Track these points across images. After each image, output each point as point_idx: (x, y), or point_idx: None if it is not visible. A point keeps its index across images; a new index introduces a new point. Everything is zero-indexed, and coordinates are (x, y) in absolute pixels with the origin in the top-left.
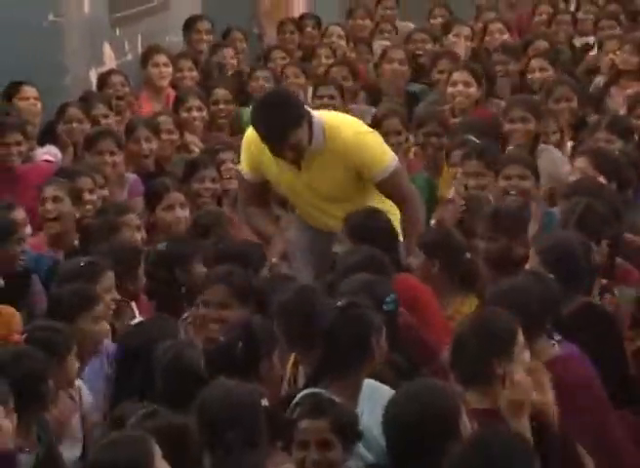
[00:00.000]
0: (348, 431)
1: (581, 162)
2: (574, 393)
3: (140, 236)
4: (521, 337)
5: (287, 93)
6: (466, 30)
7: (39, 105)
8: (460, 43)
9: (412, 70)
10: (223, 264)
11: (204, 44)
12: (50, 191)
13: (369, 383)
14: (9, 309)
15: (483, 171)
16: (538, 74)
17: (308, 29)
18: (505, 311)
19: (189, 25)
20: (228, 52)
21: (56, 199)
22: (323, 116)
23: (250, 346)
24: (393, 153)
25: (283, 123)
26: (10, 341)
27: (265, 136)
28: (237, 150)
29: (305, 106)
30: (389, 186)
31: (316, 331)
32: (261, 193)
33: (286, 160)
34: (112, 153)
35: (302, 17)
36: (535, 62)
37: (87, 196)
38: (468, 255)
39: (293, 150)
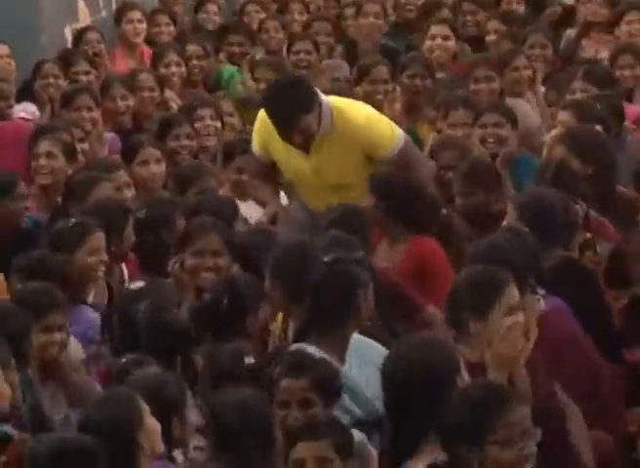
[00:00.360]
0: (329, 387)
1: (564, 115)
2: (559, 347)
3: (129, 193)
4: (511, 292)
5: (300, 77)
6: None
7: (13, 63)
8: None
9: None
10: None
11: (178, 3)
12: (44, 147)
13: (358, 339)
14: None
15: (468, 121)
16: (493, 36)
17: None
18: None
19: None
20: (212, 7)
21: (49, 155)
22: (330, 99)
23: (235, 302)
24: (400, 130)
25: (294, 109)
26: None
27: (276, 120)
28: (215, 107)
29: (317, 90)
30: (401, 162)
31: (308, 286)
32: (269, 172)
33: (294, 145)
34: (90, 109)
35: None
36: (491, 24)
37: None
38: (444, 211)
39: (302, 135)
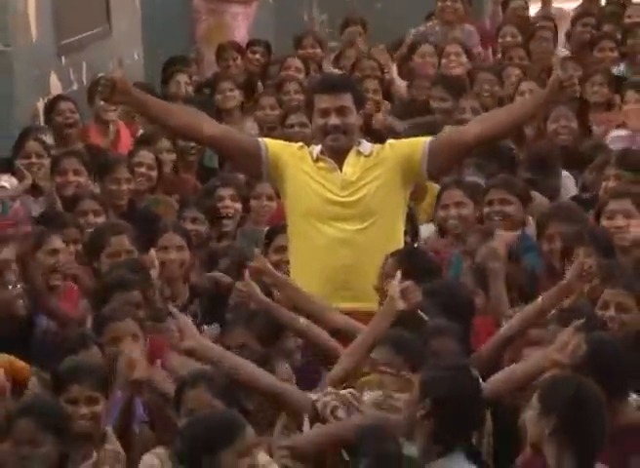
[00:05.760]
0: None
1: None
2: None
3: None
4: None
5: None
6: None
7: None
8: None
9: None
10: None
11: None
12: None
13: None
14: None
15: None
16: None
17: (256, 56)
18: None
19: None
20: (183, 78)
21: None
22: None
23: None
24: None
25: (352, 80)
26: None
27: (331, 77)
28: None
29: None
30: (444, 144)
31: None
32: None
33: (327, 137)
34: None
35: (250, 43)
36: None
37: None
38: None
39: (341, 116)
